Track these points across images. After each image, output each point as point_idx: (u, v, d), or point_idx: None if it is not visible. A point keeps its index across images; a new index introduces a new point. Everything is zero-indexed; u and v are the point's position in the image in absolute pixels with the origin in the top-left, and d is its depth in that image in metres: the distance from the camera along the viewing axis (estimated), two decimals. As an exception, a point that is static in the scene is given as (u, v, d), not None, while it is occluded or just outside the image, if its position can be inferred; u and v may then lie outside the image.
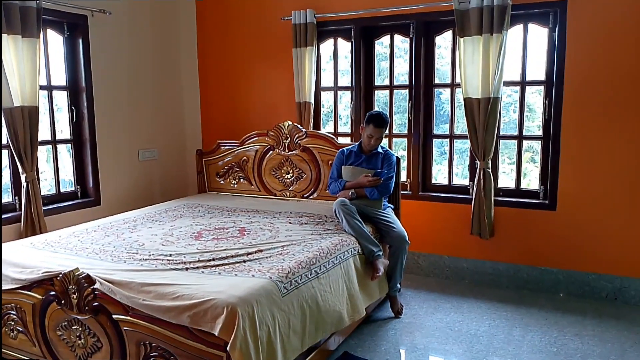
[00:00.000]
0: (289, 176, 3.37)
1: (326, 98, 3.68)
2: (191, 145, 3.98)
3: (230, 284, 1.77)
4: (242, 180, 3.54)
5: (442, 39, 3.28)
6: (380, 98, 3.54)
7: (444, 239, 3.25)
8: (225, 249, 2.20)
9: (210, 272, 1.93)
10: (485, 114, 2.89)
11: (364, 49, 3.43)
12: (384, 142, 3.34)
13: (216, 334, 1.61)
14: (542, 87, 3.04)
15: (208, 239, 2.39)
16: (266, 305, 1.73)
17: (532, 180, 3.29)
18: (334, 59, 3.55)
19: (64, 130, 3.24)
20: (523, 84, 3.08)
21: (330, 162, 3.13)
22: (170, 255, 2.12)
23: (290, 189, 3.37)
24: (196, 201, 3.33)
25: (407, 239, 2.64)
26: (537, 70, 3.02)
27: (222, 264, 2.01)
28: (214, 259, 2.06)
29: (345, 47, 3.50)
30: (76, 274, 1.88)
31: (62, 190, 3.21)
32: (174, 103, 3.90)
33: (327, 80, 3.62)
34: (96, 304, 1.87)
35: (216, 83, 3.91)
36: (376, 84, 3.49)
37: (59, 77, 3.17)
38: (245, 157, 3.51)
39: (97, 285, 1.86)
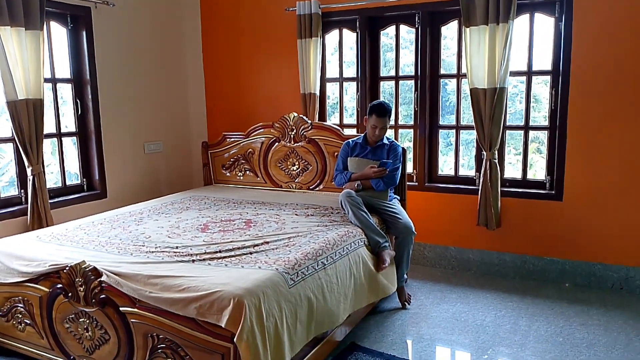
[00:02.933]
0: (294, 168, 3.32)
1: (331, 89, 3.60)
2: (196, 138, 3.93)
3: (236, 276, 1.74)
4: (248, 172, 3.49)
5: (448, 29, 3.19)
6: (386, 89, 3.46)
7: (450, 230, 3.21)
8: (231, 241, 2.16)
9: (216, 264, 1.90)
10: (492, 104, 2.83)
11: (370, 40, 3.35)
12: (390, 133, 3.28)
13: (223, 325, 1.58)
14: (548, 77, 2.96)
15: (214, 231, 2.35)
16: (273, 297, 1.71)
17: (537, 171, 3.23)
18: (339, 49, 3.48)
19: (69, 123, 3.19)
20: (529, 74, 3.00)
21: (335, 153, 3.07)
22: (177, 247, 2.09)
23: (296, 180, 3.32)
24: (202, 193, 3.29)
25: (414, 230, 2.59)
26: (544, 60, 2.94)
27: (229, 256, 1.98)
28: (220, 251, 2.03)
29: (350, 37, 3.42)
30: (83, 266, 1.85)
31: (68, 183, 3.17)
32: (179, 95, 3.84)
33: (332, 71, 3.55)
34: (103, 296, 1.84)
35: (221, 75, 3.84)
36: (382, 74, 3.42)
37: (63, 69, 3.12)
38: (251, 149, 3.45)
39: (103, 278, 1.83)
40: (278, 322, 1.69)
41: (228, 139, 3.53)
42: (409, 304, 2.70)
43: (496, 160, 2.92)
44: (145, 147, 3.57)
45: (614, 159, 2.75)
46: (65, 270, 1.87)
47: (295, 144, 3.29)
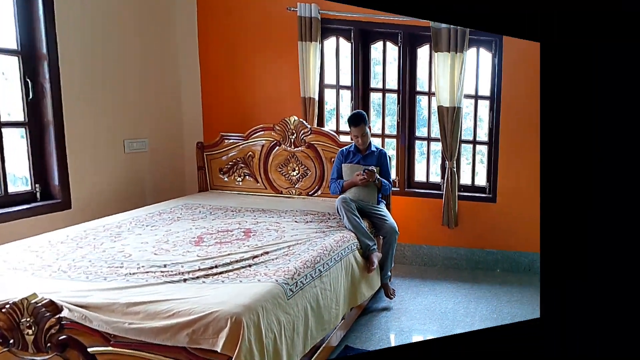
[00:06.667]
0: (294, 173, 2.54)
1: (329, 95, 2.94)
2: (190, 137, 2.62)
3: (234, 293, 1.20)
4: (247, 177, 2.56)
5: (422, 51, 2.84)
6: (375, 100, 2.94)
7: (423, 230, 2.85)
8: (229, 254, 1.47)
9: (212, 282, 1.28)
10: (452, 120, 2.53)
11: (362, 51, 2.74)
12: (378, 141, 2.81)
13: (219, 350, 1.04)
14: (487, 102, 2.77)
15: (210, 243, 1.59)
16: (272, 311, 1.19)
17: (481, 178, 3.13)
18: (336, 57, 2.79)
19: (14, 110, 1.86)
20: (476, 97, 2.73)
21: (332, 159, 2.40)
22: (165, 265, 1.34)
23: (296, 186, 2.53)
24: (196, 201, 2.28)
25: (397, 230, 2.18)
26: (485, 87, 2.72)
27: (226, 271, 1.35)
28: (216, 266, 1.37)
29: (346, 47, 2.75)
30: (32, 301, 1.05)
31: (11, 190, 1.85)
32: (171, 86, 2.52)
33: (330, 77, 2.81)
34: (63, 337, 1.05)
35: (219, 69, 2.74)
36: (371, 86, 2.82)
37: (8, 38, 1.78)
38: (251, 152, 2.54)
39: (64, 313, 1.06)
40: (277, 336, 1.18)
41: (226, 140, 2.53)
42: (393, 297, 2.28)
43: (455, 169, 2.66)
44: (126, 146, 2.29)
45: (531, 167, 2.57)
46: (3, 310, 1.05)
47: (296, 149, 2.49)
